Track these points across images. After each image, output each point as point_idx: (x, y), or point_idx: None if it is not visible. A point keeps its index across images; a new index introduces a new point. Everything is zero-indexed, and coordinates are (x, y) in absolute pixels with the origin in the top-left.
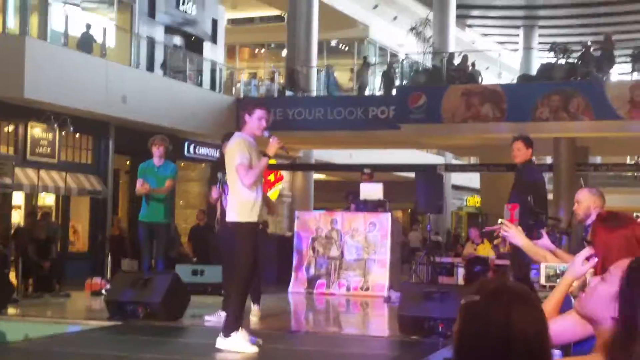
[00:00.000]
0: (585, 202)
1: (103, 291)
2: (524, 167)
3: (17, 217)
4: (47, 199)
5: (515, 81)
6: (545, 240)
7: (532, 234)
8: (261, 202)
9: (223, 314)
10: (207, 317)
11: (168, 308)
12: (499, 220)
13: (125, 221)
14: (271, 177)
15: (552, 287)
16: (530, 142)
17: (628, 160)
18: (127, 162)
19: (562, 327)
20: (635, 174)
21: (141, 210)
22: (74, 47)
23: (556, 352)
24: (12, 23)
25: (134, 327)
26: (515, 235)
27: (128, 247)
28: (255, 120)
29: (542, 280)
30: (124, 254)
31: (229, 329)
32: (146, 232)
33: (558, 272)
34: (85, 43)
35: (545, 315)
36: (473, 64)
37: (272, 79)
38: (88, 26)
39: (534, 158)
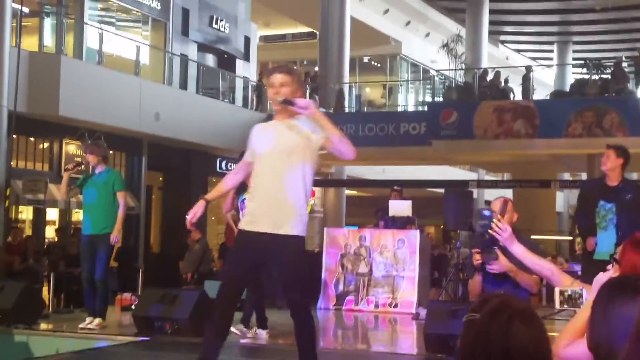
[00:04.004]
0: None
1: (133, 306)
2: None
3: (51, 233)
4: (80, 215)
5: (548, 97)
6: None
7: None
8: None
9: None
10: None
11: (195, 324)
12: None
13: (158, 236)
14: None
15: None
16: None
17: None
18: (160, 179)
19: (584, 349)
20: None
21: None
22: (109, 65)
23: None
24: (49, 42)
25: (162, 343)
26: (509, 238)
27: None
28: (270, 93)
29: (557, 305)
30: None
31: None
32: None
33: (574, 295)
34: None
35: (546, 333)
36: (506, 80)
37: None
38: None
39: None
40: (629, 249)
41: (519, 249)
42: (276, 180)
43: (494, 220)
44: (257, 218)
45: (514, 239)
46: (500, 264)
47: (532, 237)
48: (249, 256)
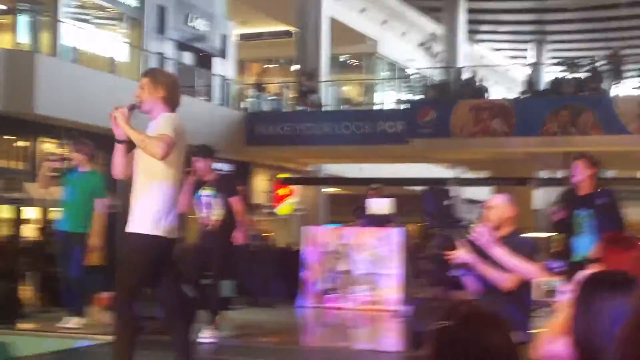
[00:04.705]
0: (499, 210)
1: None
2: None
3: (29, 232)
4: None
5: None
6: None
7: None
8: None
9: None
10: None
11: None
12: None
13: None
14: (281, 191)
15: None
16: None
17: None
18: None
19: (565, 347)
20: None
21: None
22: (85, 63)
23: None
24: (24, 39)
25: (143, 342)
26: (489, 243)
27: None
28: None
29: (534, 297)
30: None
31: None
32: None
33: (550, 288)
34: None
35: (512, 337)
36: (481, 79)
37: (281, 94)
38: None
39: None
40: (610, 248)
41: (497, 252)
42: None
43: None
44: None
45: (494, 244)
46: (457, 255)
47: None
48: None
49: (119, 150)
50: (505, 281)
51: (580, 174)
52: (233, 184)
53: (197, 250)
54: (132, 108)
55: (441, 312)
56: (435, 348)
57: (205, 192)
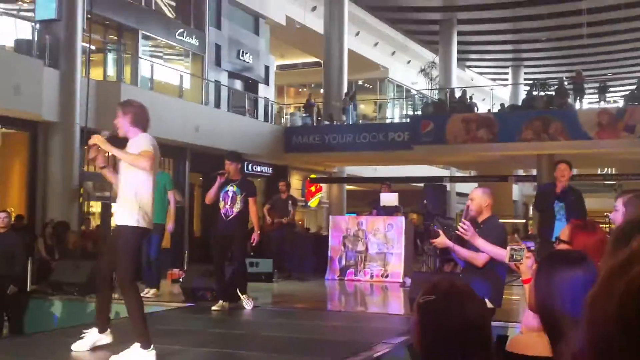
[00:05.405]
0: (478, 200)
1: (181, 279)
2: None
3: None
4: None
5: (500, 110)
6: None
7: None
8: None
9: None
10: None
11: (230, 293)
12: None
13: (199, 224)
14: (312, 188)
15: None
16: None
17: (599, 172)
18: (200, 178)
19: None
20: (604, 182)
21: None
22: (159, 90)
23: None
24: (111, 72)
25: (204, 308)
26: (473, 236)
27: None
28: None
29: (507, 260)
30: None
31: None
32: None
33: (519, 251)
34: None
35: (485, 308)
36: (470, 97)
37: (312, 112)
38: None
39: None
40: (578, 232)
41: (479, 242)
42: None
43: (460, 223)
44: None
45: (476, 236)
46: (438, 242)
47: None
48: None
49: (106, 173)
50: (477, 260)
51: (566, 177)
52: (254, 187)
53: (220, 237)
54: (110, 135)
55: (425, 288)
56: (421, 318)
57: (232, 189)
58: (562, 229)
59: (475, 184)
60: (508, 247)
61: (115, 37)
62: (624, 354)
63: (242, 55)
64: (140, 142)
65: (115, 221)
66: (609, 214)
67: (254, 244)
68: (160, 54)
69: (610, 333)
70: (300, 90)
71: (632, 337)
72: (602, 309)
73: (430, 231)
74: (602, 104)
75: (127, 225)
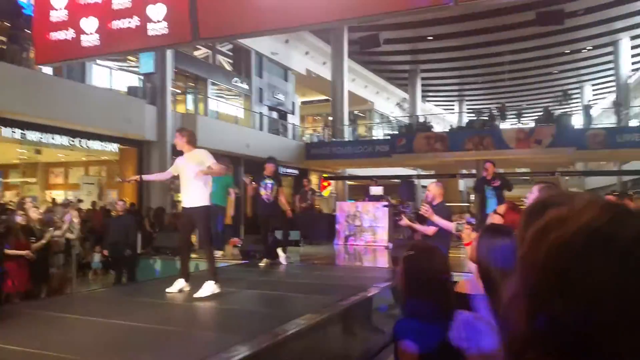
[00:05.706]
0: (433, 190)
1: (239, 245)
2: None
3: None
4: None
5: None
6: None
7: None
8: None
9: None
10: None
11: (272, 254)
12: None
13: (249, 207)
14: (325, 183)
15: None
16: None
17: (517, 171)
18: (250, 178)
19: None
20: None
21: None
22: (222, 119)
23: None
24: (190, 107)
25: (255, 265)
26: (431, 214)
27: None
28: None
29: (453, 231)
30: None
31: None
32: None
33: (461, 226)
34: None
35: (447, 261)
36: (429, 122)
37: (324, 132)
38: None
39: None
40: (509, 211)
41: (435, 219)
42: (185, 180)
43: (423, 205)
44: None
45: (433, 214)
46: (403, 222)
47: (447, 204)
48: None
49: (139, 180)
50: (428, 232)
51: (489, 170)
52: (281, 179)
53: (263, 216)
54: (139, 179)
55: (408, 247)
56: (404, 267)
57: (270, 182)
58: (498, 205)
59: (434, 180)
60: (454, 222)
61: (193, 84)
62: (552, 291)
63: (276, 95)
64: (205, 155)
65: (188, 204)
66: (524, 199)
67: (290, 218)
68: (223, 95)
69: (538, 278)
70: (315, 118)
71: (554, 279)
72: (531, 262)
73: (397, 214)
74: (519, 125)
75: (202, 205)
